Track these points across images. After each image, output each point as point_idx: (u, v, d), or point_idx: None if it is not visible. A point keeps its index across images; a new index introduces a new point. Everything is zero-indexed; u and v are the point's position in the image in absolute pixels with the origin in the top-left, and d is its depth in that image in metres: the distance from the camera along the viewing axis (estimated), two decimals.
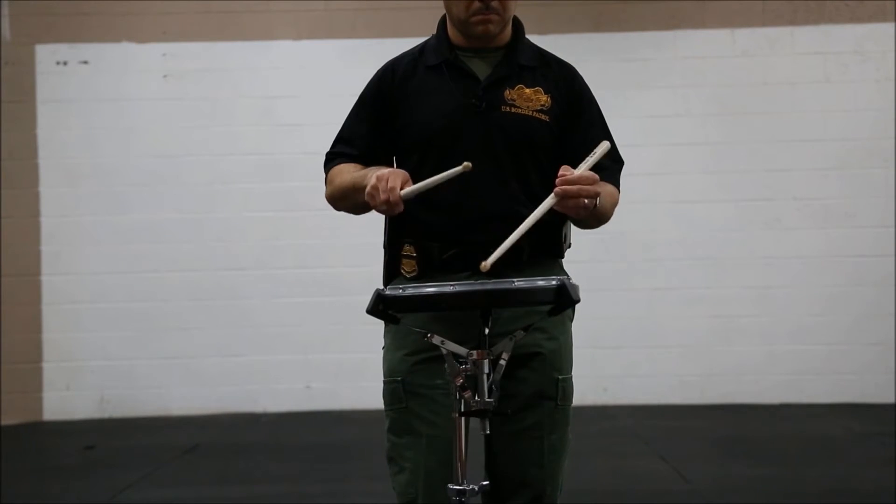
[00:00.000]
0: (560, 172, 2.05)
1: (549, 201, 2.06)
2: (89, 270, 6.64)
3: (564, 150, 2.29)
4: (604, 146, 2.15)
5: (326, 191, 2.38)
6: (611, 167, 2.32)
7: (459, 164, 2.13)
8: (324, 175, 2.40)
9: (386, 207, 2.09)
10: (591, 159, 2.11)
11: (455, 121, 2.25)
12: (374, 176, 2.10)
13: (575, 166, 2.15)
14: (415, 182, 2.11)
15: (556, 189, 2.04)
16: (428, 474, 2.20)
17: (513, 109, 2.26)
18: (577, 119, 2.31)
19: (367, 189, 2.11)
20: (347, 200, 2.31)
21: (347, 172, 2.30)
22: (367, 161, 2.35)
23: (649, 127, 6.66)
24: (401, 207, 2.09)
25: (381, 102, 2.32)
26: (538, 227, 2.19)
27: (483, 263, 1.99)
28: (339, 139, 2.40)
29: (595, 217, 2.19)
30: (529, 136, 2.26)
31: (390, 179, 2.08)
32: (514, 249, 2.17)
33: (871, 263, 6.63)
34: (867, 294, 6.64)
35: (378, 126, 2.33)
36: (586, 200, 2.05)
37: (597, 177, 2.07)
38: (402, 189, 2.07)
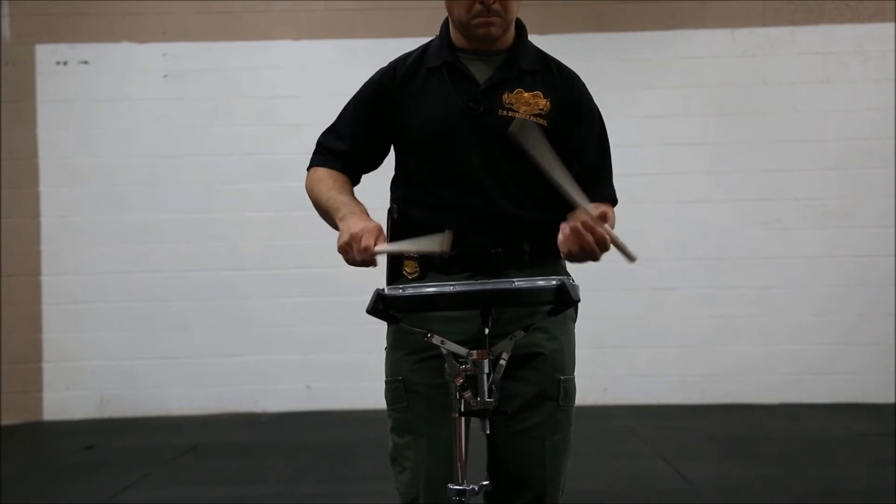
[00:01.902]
0: (596, 212, 1.98)
1: (583, 203, 1.98)
2: (89, 270, 6.64)
3: (563, 154, 2.29)
4: (633, 254, 1.97)
5: (306, 181, 2.39)
6: (605, 180, 2.32)
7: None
8: (308, 162, 2.40)
9: (360, 265, 2.12)
10: (620, 241, 1.99)
11: (452, 123, 2.25)
12: (348, 233, 2.11)
13: (571, 169, 2.14)
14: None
15: (586, 219, 1.96)
16: (429, 474, 2.20)
17: (510, 113, 2.25)
18: (575, 125, 2.31)
19: (340, 243, 2.13)
20: (319, 213, 2.34)
21: (326, 187, 2.31)
22: (355, 157, 2.35)
23: (649, 127, 6.66)
24: (375, 264, 2.13)
25: (380, 100, 2.32)
26: (540, 228, 2.19)
27: (512, 127, 1.97)
28: (332, 130, 2.41)
29: None
30: None
31: (364, 239, 2.09)
32: (516, 250, 2.17)
33: (871, 263, 6.64)
34: (866, 294, 6.64)
35: (374, 123, 2.34)
36: (586, 252, 2.01)
37: (608, 248, 2.01)
38: (376, 244, 2.09)
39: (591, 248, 1.99)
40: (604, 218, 1.99)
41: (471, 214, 2.22)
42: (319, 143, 2.41)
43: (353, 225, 2.13)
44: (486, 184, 2.24)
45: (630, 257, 1.95)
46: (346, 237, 2.12)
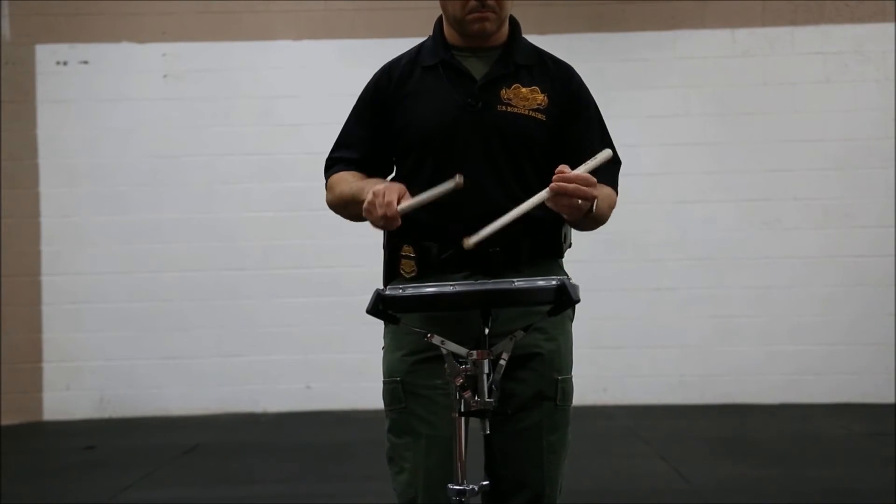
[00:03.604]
0: (558, 169, 2.03)
1: (542, 194, 2.03)
2: (89, 270, 6.64)
3: (561, 148, 2.29)
4: (605, 153, 2.11)
5: (327, 197, 2.38)
6: (609, 168, 2.31)
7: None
8: (324, 181, 2.40)
9: (383, 222, 2.08)
10: (591, 163, 2.07)
11: (451, 120, 2.25)
12: (371, 191, 2.10)
13: (573, 167, 2.14)
14: (411, 192, 2.10)
15: (552, 185, 2.01)
16: (427, 474, 2.20)
17: (509, 108, 2.25)
18: (574, 118, 2.30)
19: (364, 205, 2.10)
20: (347, 210, 2.32)
21: (346, 182, 2.30)
22: (368, 164, 2.35)
23: (649, 127, 6.66)
24: (398, 222, 2.09)
25: (378, 105, 2.32)
26: (538, 227, 2.19)
27: (466, 240, 1.99)
28: (339, 143, 2.40)
29: (592, 220, 2.16)
30: (525, 134, 2.25)
31: (387, 194, 2.07)
32: (513, 249, 2.17)
33: (871, 263, 6.64)
34: (866, 294, 6.64)
35: (377, 128, 2.33)
36: (580, 201, 2.02)
37: (595, 180, 2.04)
38: (399, 203, 2.06)
39: (579, 192, 2.00)
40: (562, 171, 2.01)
41: (469, 212, 2.21)
42: (330, 159, 2.40)
43: (377, 186, 2.11)
44: (484, 181, 2.23)
45: (605, 158, 2.07)
46: (369, 197, 2.09)
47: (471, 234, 2.05)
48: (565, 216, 2.09)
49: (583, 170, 2.04)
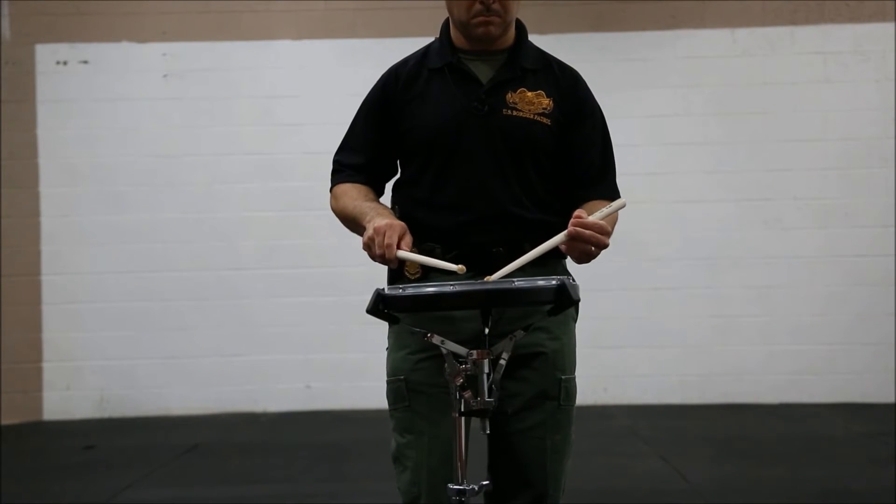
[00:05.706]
0: (576, 214, 2.04)
1: (560, 237, 2.06)
2: (89, 270, 6.64)
3: (566, 153, 2.29)
4: (619, 202, 2.13)
5: (331, 204, 2.38)
6: (607, 180, 2.33)
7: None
8: (329, 184, 2.39)
9: (381, 261, 2.11)
10: (607, 210, 2.09)
11: (457, 124, 2.25)
12: (372, 227, 2.11)
13: (574, 172, 2.15)
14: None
15: (570, 229, 2.03)
16: (430, 473, 2.20)
17: (514, 113, 2.26)
18: (578, 123, 2.31)
19: (364, 239, 2.12)
20: (349, 226, 2.33)
21: (350, 198, 2.30)
22: (373, 168, 2.35)
23: (649, 127, 6.66)
24: (395, 265, 2.12)
25: (385, 107, 2.32)
26: (541, 228, 2.20)
27: (489, 279, 2.02)
28: (345, 145, 2.40)
29: None
30: (530, 139, 2.26)
31: (387, 235, 2.08)
32: (517, 249, 2.18)
33: (871, 263, 6.64)
34: (866, 294, 6.64)
35: (383, 131, 2.33)
36: (593, 248, 2.05)
37: (609, 229, 2.07)
38: (399, 246, 2.08)
39: (594, 239, 2.03)
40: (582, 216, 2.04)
41: (473, 214, 2.23)
42: (336, 162, 2.40)
43: (378, 222, 2.12)
44: (489, 183, 2.24)
45: (620, 206, 2.10)
46: (370, 232, 2.11)
47: (473, 237, 2.05)
48: (574, 259, 2.12)
49: (598, 217, 2.06)
